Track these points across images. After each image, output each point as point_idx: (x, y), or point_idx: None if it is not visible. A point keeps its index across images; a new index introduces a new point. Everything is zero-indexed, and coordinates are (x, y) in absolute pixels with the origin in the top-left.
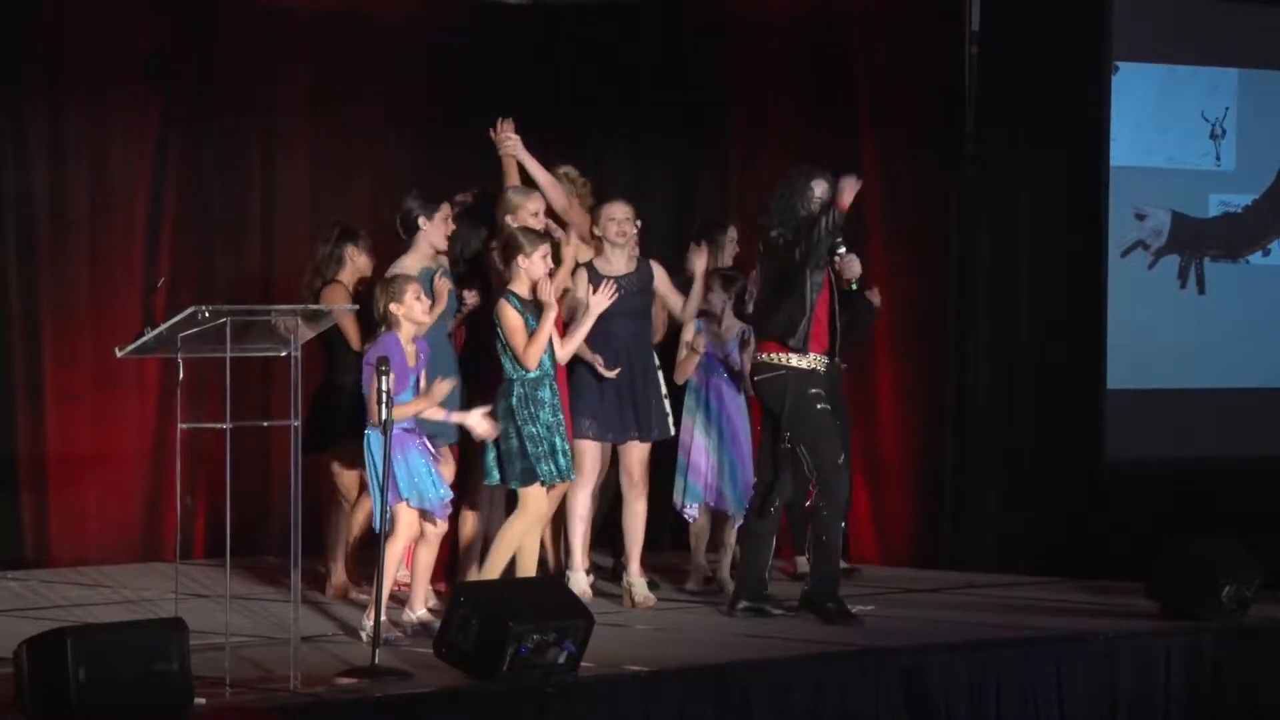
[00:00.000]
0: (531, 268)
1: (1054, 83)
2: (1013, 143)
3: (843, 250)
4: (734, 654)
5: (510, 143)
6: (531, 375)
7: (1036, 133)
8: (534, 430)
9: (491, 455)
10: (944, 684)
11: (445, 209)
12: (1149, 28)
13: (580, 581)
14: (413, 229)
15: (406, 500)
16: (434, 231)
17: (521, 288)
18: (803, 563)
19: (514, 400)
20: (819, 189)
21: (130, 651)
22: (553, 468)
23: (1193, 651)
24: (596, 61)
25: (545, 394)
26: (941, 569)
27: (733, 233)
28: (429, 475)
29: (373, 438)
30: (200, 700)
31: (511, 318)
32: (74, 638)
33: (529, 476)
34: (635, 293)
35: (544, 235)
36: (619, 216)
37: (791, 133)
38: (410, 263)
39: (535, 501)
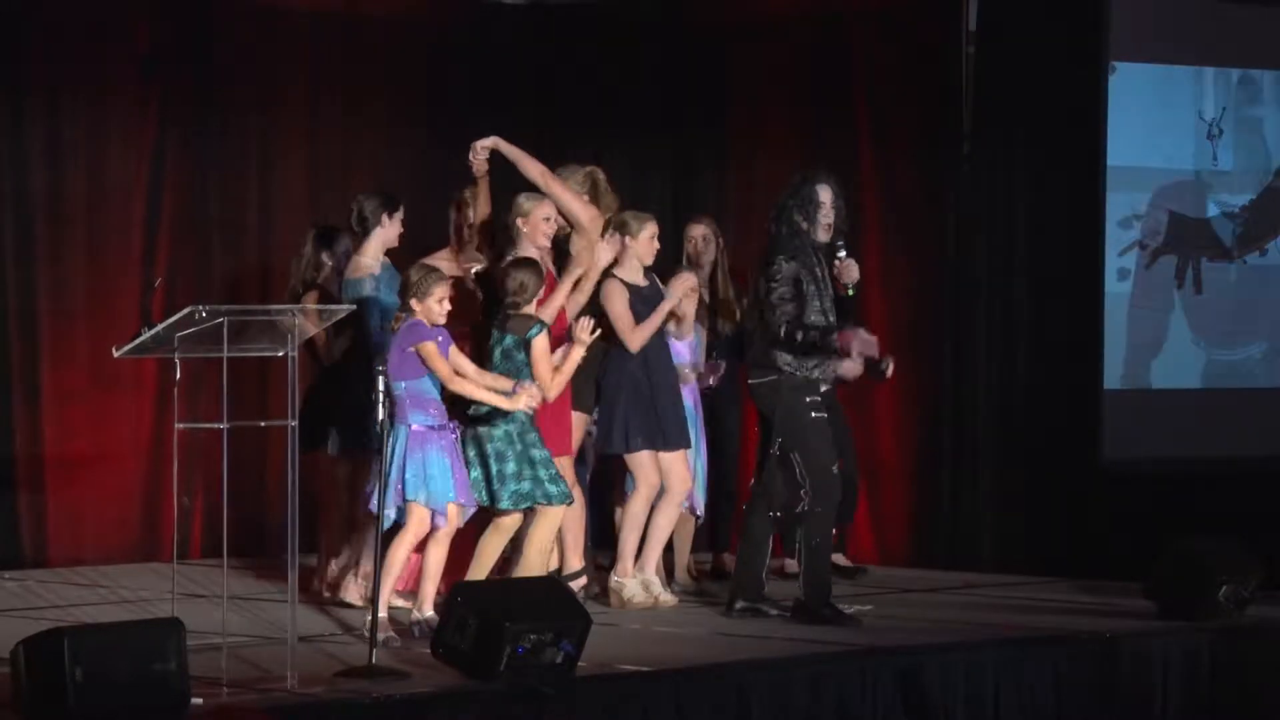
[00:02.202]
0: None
1: (1051, 83)
2: (1010, 143)
3: (842, 254)
4: (731, 654)
5: (488, 142)
6: None
7: (1034, 132)
8: (538, 454)
9: (477, 473)
10: (941, 684)
11: (399, 216)
12: (1146, 28)
13: (634, 588)
14: (368, 229)
15: (413, 500)
16: (380, 236)
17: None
18: (792, 564)
19: (525, 420)
20: (824, 195)
21: (127, 651)
22: (555, 489)
23: (1191, 652)
24: (596, 61)
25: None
26: (939, 569)
27: (703, 230)
28: (446, 475)
29: (397, 432)
30: (197, 700)
31: (544, 345)
32: (71, 637)
33: (520, 499)
34: (657, 303)
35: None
36: (656, 234)
37: (790, 132)
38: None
39: (513, 524)
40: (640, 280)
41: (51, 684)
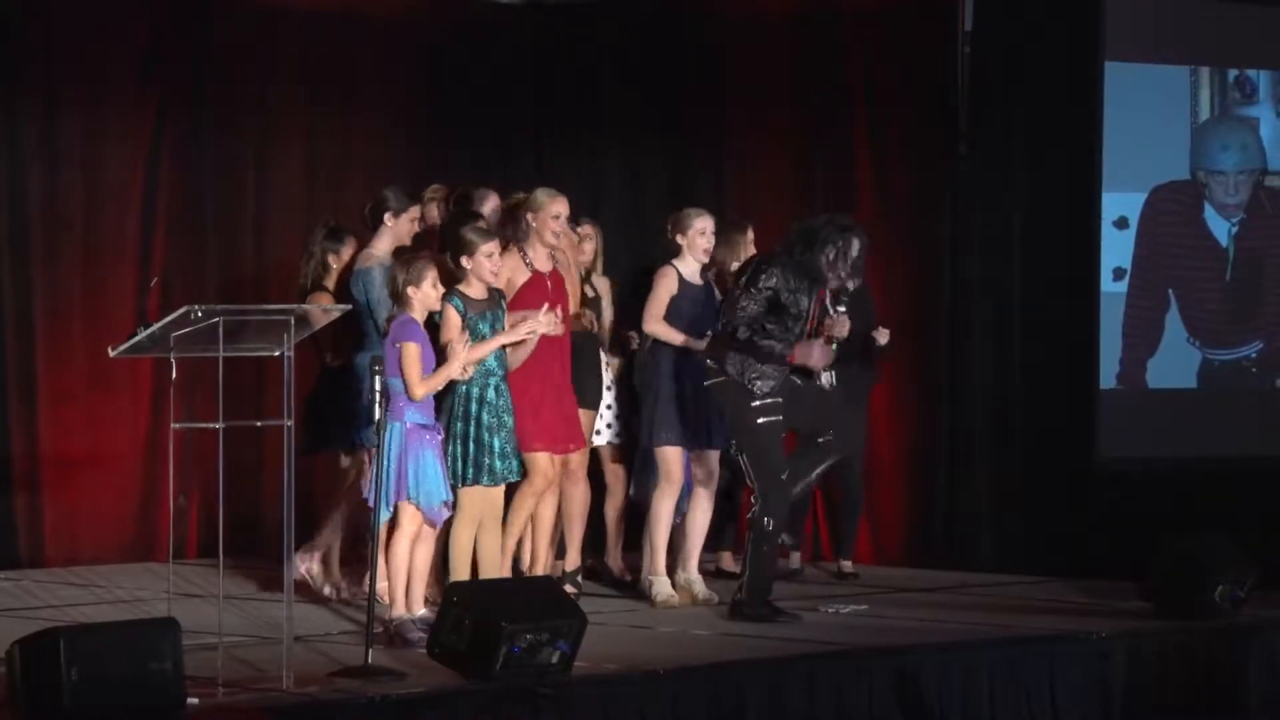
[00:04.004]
0: (477, 267)
1: (1047, 82)
2: (1006, 143)
3: (840, 309)
4: (728, 654)
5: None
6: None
7: (1030, 132)
8: (469, 430)
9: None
10: (938, 684)
11: (415, 211)
12: (1142, 27)
13: (664, 587)
14: (379, 222)
15: (411, 500)
16: (399, 227)
17: (468, 289)
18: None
19: (454, 399)
20: (855, 249)
21: (123, 651)
22: (501, 467)
23: (1186, 651)
24: (593, 61)
25: (491, 395)
26: (935, 568)
27: (750, 235)
28: (437, 475)
29: (392, 430)
30: (193, 700)
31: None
32: (67, 637)
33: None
34: (708, 303)
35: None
36: (708, 230)
37: (788, 132)
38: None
39: (471, 502)
40: (694, 279)
41: (47, 684)
